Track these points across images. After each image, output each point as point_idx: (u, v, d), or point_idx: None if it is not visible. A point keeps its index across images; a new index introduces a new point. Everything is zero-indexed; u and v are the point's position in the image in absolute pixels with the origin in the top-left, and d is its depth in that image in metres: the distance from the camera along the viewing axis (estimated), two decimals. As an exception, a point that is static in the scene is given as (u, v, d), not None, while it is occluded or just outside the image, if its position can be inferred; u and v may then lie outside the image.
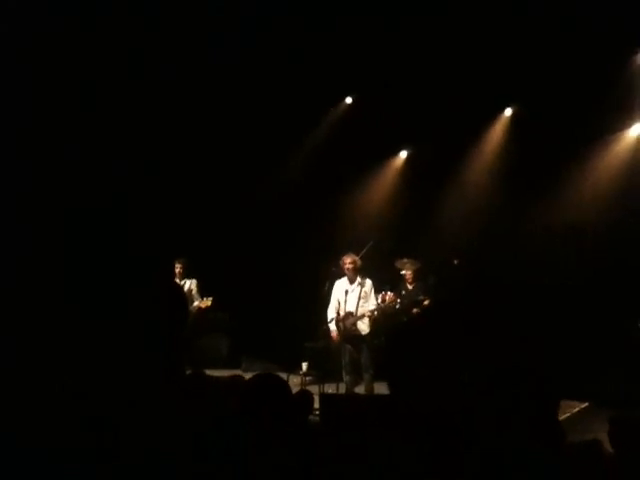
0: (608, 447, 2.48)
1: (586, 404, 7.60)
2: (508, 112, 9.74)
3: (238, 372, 8.56)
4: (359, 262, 7.96)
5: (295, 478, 2.07)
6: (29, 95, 8.05)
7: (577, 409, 7.46)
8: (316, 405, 4.54)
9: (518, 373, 1.62)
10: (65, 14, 7.99)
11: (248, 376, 2.73)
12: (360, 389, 7.93)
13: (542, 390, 1.64)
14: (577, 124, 8.36)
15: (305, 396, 4.23)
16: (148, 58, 8.80)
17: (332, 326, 8.03)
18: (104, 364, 2.02)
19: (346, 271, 7.95)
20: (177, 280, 8.84)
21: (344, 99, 10.44)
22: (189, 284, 8.93)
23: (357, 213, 10.38)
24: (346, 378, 7.96)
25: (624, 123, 8.80)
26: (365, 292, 7.91)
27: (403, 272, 9.09)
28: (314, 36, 8.75)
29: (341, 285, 8.04)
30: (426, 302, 8.67)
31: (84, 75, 8.45)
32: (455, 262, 9.04)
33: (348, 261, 7.91)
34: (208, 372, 2.94)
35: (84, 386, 2.01)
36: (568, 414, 7.11)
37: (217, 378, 2.73)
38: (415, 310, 8.59)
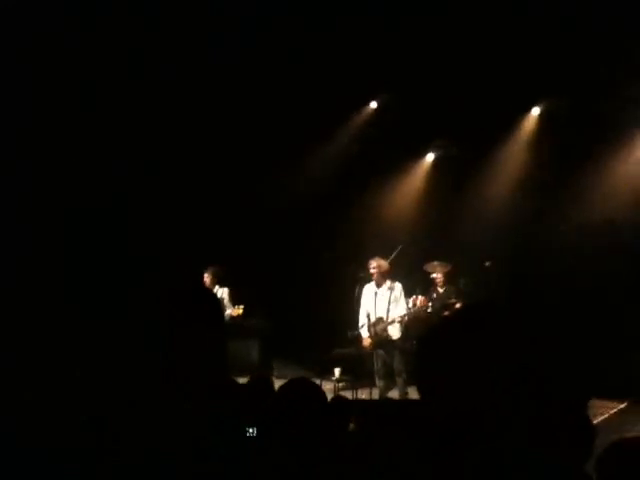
0: None
1: (625, 404, 7.37)
2: (536, 111, 9.56)
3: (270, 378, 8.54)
4: (384, 266, 7.94)
5: (295, 478, 2.06)
6: (29, 95, 8.05)
7: (615, 410, 7.18)
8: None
9: (522, 373, 1.61)
10: (65, 14, 8.00)
11: (280, 382, 2.68)
12: (393, 394, 7.92)
13: (543, 390, 1.64)
14: (608, 120, 8.31)
15: (341, 404, 3.79)
16: (148, 58, 8.79)
17: (363, 332, 7.98)
18: (104, 364, 2.02)
19: (372, 275, 7.96)
20: None
21: (368, 103, 10.29)
22: (221, 293, 8.87)
23: (386, 217, 10.32)
24: (379, 383, 7.95)
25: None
26: (395, 296, 7.92)
27: (433, 275, 8.93)
28: (314, 36, 8.75)
29: (369, 289, 8.02)
30: (457, 305, 8.50)
31: (84, 75, 8.45)
32: (487, 264, 8.83)
33: (372, 265, 7.93)
34: (240, 379, 2.90)
35: (84, 386, 2.01)
36: (606, 415, 6.85)
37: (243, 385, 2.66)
38: (446, 313, 8.36)
